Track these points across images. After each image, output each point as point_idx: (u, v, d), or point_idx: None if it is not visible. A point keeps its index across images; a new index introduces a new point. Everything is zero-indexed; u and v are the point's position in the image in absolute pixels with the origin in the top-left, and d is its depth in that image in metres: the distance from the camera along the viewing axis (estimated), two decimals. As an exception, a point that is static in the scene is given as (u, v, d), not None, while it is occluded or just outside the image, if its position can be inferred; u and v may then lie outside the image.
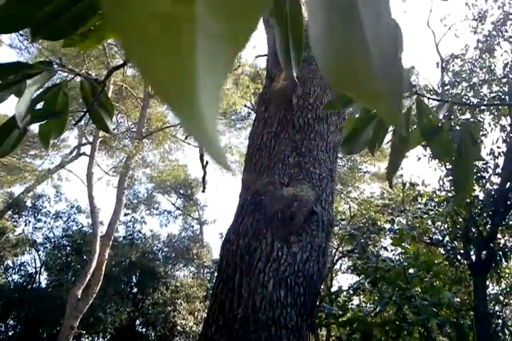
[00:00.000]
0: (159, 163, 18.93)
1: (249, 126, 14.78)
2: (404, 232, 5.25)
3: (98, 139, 14.05)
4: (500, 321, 7.60)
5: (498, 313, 8.11)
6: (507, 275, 11.20)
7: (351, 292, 8.44)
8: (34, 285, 15.44)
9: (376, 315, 3.67)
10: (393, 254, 12.34)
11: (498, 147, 8.89)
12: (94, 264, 8.88)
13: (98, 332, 15.83)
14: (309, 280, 3.32)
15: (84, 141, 16.98)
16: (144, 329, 16.57)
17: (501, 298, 10.54)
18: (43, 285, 15.60)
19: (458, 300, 10.91)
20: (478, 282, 7.67)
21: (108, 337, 17.22)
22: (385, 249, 12.01)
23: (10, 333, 14.98)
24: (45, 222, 15.89)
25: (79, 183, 19.35)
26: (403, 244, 5.21)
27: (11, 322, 15.61)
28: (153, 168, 19.03)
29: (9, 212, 14.90)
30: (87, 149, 16.04)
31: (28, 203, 15.66)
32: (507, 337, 7.33)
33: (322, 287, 9.71)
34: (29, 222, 15.58)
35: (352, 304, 8.11)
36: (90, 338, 17.77)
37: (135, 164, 14.97)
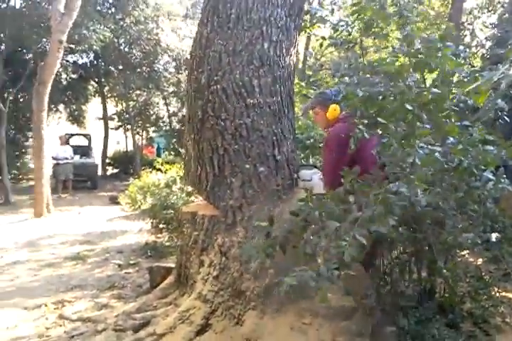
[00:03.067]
0: None
1: None
2: None
3: None
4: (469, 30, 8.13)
5: (468, 25, 8.54)
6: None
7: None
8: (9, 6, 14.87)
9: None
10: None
11: None
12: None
13: (84, 51, 16.22)
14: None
15: None
16: (127, 48, 17.04)
17: (475, 12, 10.83)
18: (17, 6, 14.99)
19: (433, 13, 11.21)
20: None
21: (92, 55, 17.81)
22: None
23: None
24: None
25: None
26: None
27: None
28: None
29: None
30: None
31: None
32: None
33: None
34: None
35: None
36: (75, 58, 18.44)
37: None
